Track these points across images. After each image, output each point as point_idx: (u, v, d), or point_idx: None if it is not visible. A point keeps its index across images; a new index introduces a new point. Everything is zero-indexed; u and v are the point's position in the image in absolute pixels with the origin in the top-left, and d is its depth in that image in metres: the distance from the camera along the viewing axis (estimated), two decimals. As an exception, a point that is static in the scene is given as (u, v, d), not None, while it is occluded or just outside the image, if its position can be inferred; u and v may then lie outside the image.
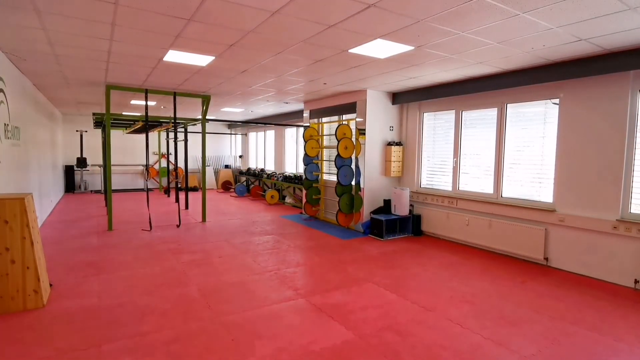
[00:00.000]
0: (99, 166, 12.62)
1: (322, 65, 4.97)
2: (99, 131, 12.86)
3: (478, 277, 4.52)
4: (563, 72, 4.50)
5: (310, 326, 3.20)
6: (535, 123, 5.19)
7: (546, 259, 5.00)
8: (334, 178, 7.66)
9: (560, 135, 4.83)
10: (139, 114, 10.23)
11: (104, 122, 7.81)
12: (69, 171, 12.15)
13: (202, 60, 4.82)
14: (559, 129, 4.84)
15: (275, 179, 10.76)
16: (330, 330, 3.13)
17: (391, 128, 7.14)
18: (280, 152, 11.95)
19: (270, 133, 12.74)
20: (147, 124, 7.28)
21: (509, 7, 2.93)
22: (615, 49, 3.94)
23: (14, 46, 4.34)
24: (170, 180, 13.22)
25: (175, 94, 7.08)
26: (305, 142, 8.14)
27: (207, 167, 14.60)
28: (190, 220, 7.83)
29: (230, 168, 14.99)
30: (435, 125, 6.70)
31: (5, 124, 4.56)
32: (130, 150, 13.43)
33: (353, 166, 7.08)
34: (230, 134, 14.96)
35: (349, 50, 4.25)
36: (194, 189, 13.62)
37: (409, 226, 6.77)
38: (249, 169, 13.09)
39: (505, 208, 5.46)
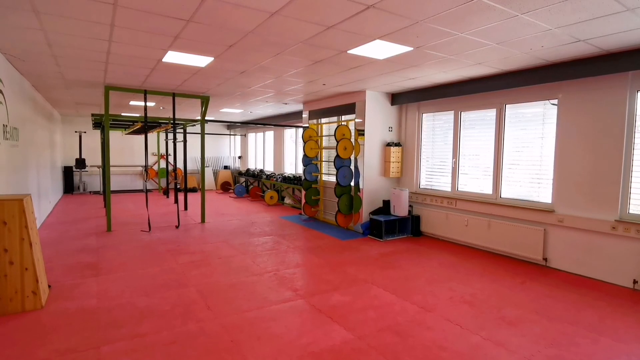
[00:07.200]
0: (98, 167, 12.60)
1: (321, 66, 4.97)
2: (97, 132, 12.85)
3: (477, 278, 4.52)
4: (561, 72, 4.51)
5: (310, 327, 3.20)
6: (534, 124, 5.20)
7: (545, 259, 5.00)
8: (333, 179, 7.65)
9: (559, 136, 4.84)
10: (138, 115, 10.22)
11: (103, 123, 7.80)
12: (67, 172, 12.13)
13: (201, 61, 4.82)
14: (558, 130, 4.85)
15: (275, 179, 10.76)
16: (330, 331, 3.13)
17: (390, 129, 7.15)
18: (279, 153, 11.95)
19: (270, 134, 12.74)
20: (146, 125, 7.27)
21: (508, 8, 2.93)
22: (613, 49, 3.95)
23: (12, 47, 4.33)
24: (169, 181, 13.22)
25: (174, 95, 7.08)
26: (305, 142, 8.14)
27: (206, 168, 14.59)
28: (190, 221, 7.82)
29: (229, 169, 14.98)
30: (434, 126, 6.70)
31: (4, 125, 4.55)
32: (129, 151, 13.42)
33: (352, 167, 7.08)
34: (230, 134, 14.96)
35: (348, 51, 4.26)
36: (193, 190, 13.61)
37: (408, 227, 6.77)
38: (248, 169, 13.09)
39: (504, 209, 5.46)
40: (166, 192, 12.12)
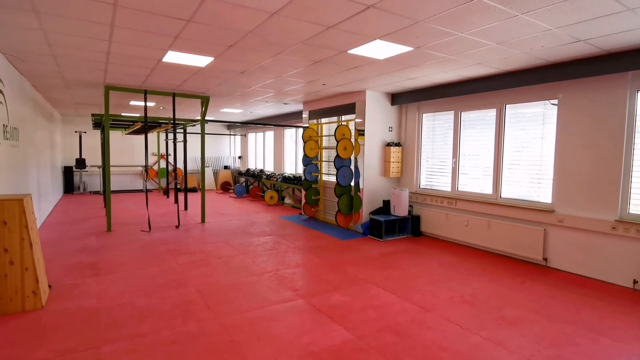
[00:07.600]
0: (98, 167, 12.60)
1: (321, 66, 4.97)
2: (97, 132, 12.85)
3: (477, 278, 4.52)
4: (561, 72, 4.51)
5: (310, 327, 3.20)
6: (534, 124, 5.19)
7: (545, 259, 5.00)
8: (333, 179, 7.65)
9: (559, 136, 4.83)
10: (138, 115, 10.22)
11: (103, 123, 7.80)
12: (68, 172, 12.13)
13: (201, 61, 4.82)
14: (558, 130, 4.85)
15: (275, 179, 10.76)
16: (330, 331, 3.13)
17: (390, 129, 7.15)
18: (279, 153, 11.95)
19: (270, 134, 12.74)
20: (146, 125, 7.27)
21: (508, 8, 2.93)
22: (613, 49, 3.95)
23: (13, 47, 4.33)
24: (169, 181, 13.22)
25: (174, 95, 7.08)
26: (305, 143, 8.14)
27: (206, 168, 14.59)
28: (190, 221, 7.82)
29: (229, 169, 14.98)
30: (435, 126, 6.70)
31: (4, 125, 4.55)
32: (129, 151, 13.42)
33: (352, 167, 7.08)
34: (230, 134, 14.96)
35: (348, 51, 4.26)
36: (193, 190, 13.61)
37: (408, 227, 6.77)
38: (248, 169, 13.09)
39: (504, 208, 5.46)
40: (166, 192, 12.12)
